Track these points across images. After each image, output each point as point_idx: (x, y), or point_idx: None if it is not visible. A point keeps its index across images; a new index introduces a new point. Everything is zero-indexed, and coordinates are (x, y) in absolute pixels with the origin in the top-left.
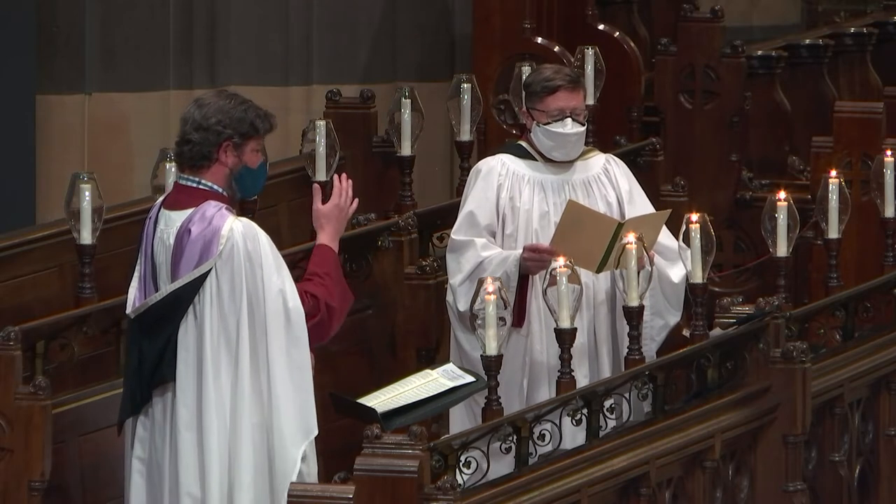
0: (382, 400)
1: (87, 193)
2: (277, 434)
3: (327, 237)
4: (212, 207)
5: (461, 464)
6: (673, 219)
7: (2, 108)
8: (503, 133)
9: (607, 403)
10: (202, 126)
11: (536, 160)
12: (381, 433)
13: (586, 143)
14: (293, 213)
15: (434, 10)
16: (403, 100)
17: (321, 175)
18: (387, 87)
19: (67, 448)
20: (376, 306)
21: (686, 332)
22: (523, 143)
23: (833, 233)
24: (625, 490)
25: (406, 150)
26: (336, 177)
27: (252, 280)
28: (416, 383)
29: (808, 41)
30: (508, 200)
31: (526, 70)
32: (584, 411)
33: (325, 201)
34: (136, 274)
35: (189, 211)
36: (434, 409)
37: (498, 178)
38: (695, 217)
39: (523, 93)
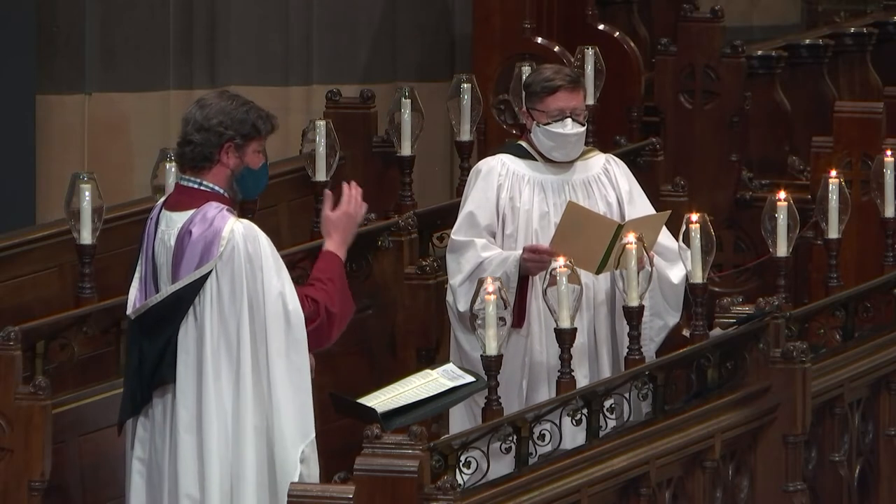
0: (382, 400)
1: (87, 193)
2: (278, 436)
3: (334, 244)
4: (213, 209)
5: (461, 464)
6: (673, 219)
7: (2, 108)
8: (503, 133)
9: (607, 403)
10: (204, 127)
11: (536, 160)
12: (381, 433)
13: (586, 143)
14: (293, 213)
15: (434, 10)
16: (403, 100)
17: (321, 175)
18: (387, 87)
19: (67, 448)
20: (376, 306)
21: (686, 332)
22: (523, 144)
23: (833, 233)
24: (625, 490)
25: (406, 150)
26: (346, 184)
27: (252, 282)
28: (416, 383)
29: (808, 41)
30: (508, 201)
31: (526, 70)
32: (584, 411)
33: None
34: (136, 275)
35: (190, 212)
36: (434, 409)
37: (498, 178)
38: (695, 217)
39: (523, 93)
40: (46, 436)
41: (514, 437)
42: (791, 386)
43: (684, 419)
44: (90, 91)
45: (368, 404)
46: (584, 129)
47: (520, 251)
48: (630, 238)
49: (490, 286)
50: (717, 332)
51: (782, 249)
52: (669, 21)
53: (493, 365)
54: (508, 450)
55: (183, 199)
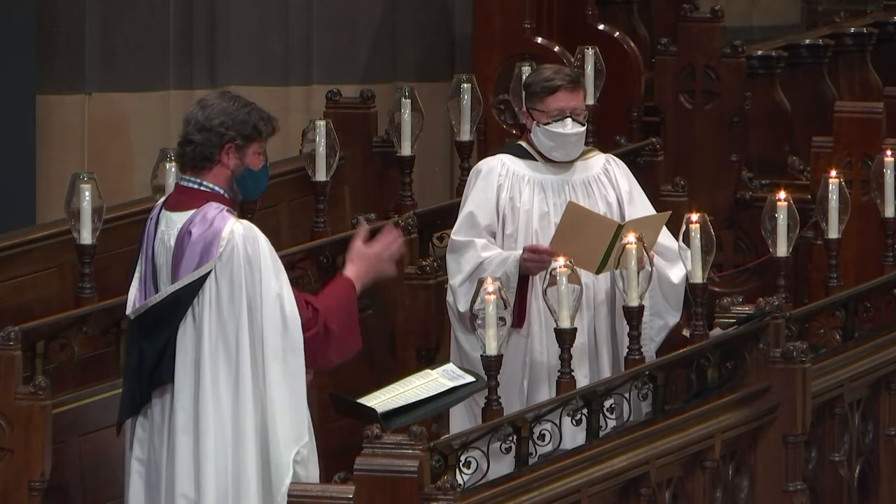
0: (382, 400)
1: (87, 193)
2: (272, 438)
3: (353, 273)
4: (213, 209)
5: (461, 464)
6: (673, 219)
7: (2, 108)
8: (503, 133)
9: (607, 403)
10: (205, 127)
11: (536, 160)
12: (381, 433)
13: (586, 143)
14: (293, 213)
15: (434, 10)
16: (403, 100)
17: (321, 175)
18: (387, 87)
19: (67, 448)
20: (376, 306)
21: (686, 332)
22: (523, 144)
23: (833, 233)
24: (625, 490)
25: (406, 150)
26: (391, 228)
27: (251, 283)
28: (416, 383)
29: (808, 41)
30: (508, 201)
31: (526, 70)
32: (584, 411)
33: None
34: (136, 275)
35: (190, 212)
36: (434, 409)
37: (498, 178)
38: (695, 217)
39: (523, 93)
40: (46, 436)
41: (514, 437)
42: (791, 386)
43: (684, 419)
44: (90, 91)
45: (368, 404)
46: (584, 128)
47: (520, 251)
48: (630, 238)
49: (490, 286)
50: (717, 332)
51: (782, 249)
52: (669, 21)
53: (493, 365)
54: (508, 450)
55: (183, 200)
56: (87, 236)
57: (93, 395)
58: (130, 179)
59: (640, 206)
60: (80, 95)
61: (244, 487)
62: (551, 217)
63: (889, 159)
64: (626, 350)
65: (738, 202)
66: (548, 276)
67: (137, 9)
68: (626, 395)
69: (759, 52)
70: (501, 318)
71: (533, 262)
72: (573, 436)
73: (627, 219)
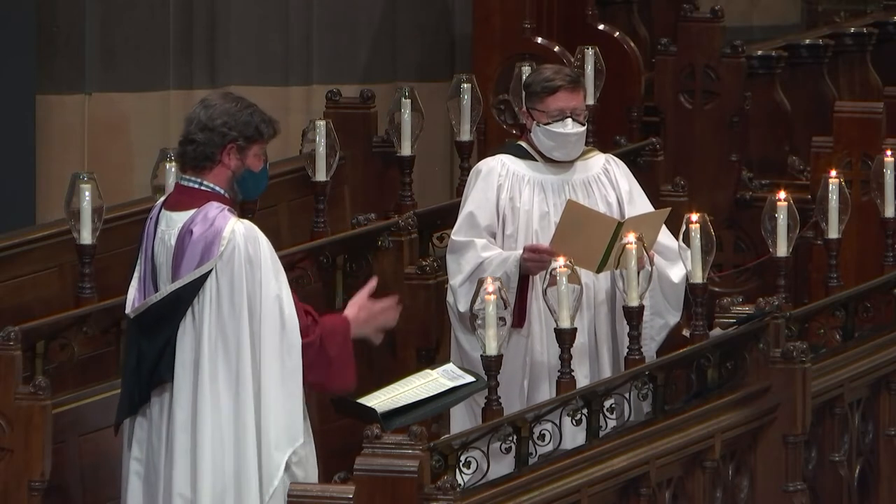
0: (382, 400)
1: (87, 193)
2: (264, 439)
3: (352, 316)
4: (214, 209)
5: (461, 464)
6: (673, 219)
7: (2, 108)
8: (503, 133)
9: (607, 403)
10: (207, 127)
11: (536, 160)
12: (381, 433)
13: (586, 143)
14: (293, 213)
15: (434, 10)
16: (403, 100)
17: (321, 175)
18: (387, 87)
19: (67, 448)
20: None
21: (686, 332)
22: (523, 144)
23: (833, 233)
24: (625, 490)
25: (406, 150)
26: (396, 299)
27: (252, 283)
28: (416, 383)
29: (808, 41)
30: (508, 201)
31: (526, 70)
32: (584, 411)
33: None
34: (135, 274)
35: (191, 212)
36: (434, 409)
37: (498, 178)
38: (695, 217)
39: (523, 93)
40: (46, 436)
41: (514, 437)
42: (791, 386)
43: (684, 419)
44: (90, 91)
45: (368, 404)
46: (584, 128)
47: (520, 251)
48: (630, 238)
49: (490, 286)
50: (717, 332)
51: (782, 249)
52: (669, 21)
53: (493, 365)
54: (508, 450)
55: (183, 199)
56: (87, 236)
57: (93, 395)
58: (130, 179)
59: (640, 206)
60: (80, 95)
61: (245, 487)
62: (551, 217)
63: (889, 159)
64: (627, 350)
65: (738, 202)
66: (548, 276)
67: (137, 9)
68: (627, 395)
69: (759, 52)
70: (501, 318)
71: (533, 262)
72: (573, 436)
73: (627, 217)
